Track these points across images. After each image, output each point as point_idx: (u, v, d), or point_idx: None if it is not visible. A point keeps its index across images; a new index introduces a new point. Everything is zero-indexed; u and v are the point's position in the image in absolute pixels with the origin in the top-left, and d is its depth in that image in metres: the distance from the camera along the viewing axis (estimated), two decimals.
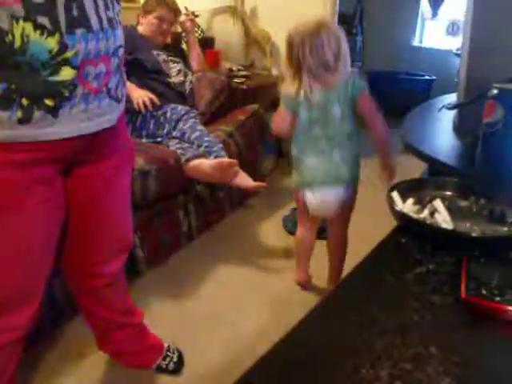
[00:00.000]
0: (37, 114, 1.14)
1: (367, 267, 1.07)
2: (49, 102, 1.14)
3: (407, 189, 1.29)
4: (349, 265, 2.55)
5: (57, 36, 1.09)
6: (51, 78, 1.13)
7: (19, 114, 1.12)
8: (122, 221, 1.63)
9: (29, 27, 1.06)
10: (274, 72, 4.25)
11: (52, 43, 1.09)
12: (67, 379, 1.90)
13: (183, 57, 3.36)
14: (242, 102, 3.63)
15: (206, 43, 4.10)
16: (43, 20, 1.07)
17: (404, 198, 1.25)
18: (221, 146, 2.76)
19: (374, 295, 0.98)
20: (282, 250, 2.91)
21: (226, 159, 2.58)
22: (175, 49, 3.34)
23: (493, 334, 0.91)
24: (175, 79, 3.11)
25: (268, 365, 0.80)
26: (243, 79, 3.86)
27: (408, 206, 1.23)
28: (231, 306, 2.36)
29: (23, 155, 1.18)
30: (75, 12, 1.11)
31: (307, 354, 0.82)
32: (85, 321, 1.83)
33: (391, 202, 1.23)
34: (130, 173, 1.62)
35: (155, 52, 3.11)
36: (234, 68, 4.02)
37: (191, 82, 3.22)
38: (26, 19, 1.05)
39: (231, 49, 4.35)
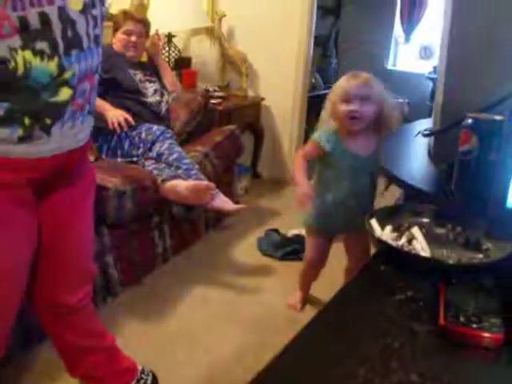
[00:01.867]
0: (37, 133, 1.16)
1: (347, 294, 1.07)
2: (48, 121, 1.17)
3: (385, 216, 1.31)
4: (328, 291, 2.55)
5: (56, 59, 1.13)
6: (52, 99, 1.16)
7: (20, 132, 1.14)
8: (87, 250, 1.62)
9: (29, 55, 1.09)
10: (250, 93, 4.28)
11: (52, 67, 1.13)
12: None
13: (160, 77, 3.37)
14: (218, 123, 3.64)
15: (183, 63, 4.12)
16: (42, 45, 1.10)
17: (382, 225, 1.27)
18: (197, 167, 2.76)
19: (354, 322, 0.98)
20: (257, 271, 2.91)
21: (203, 182, 2.59)
22: (152, 68, 3.35)
23: (471, 361, 0.92)
24: (152, 99, 3.11)
25: None
26: (219, 100, 3.88)
27: (386, 233, 1.24)
28: (206, 328, 2.35)
29: (8, 175, 1.19)
30: (70, 33, 1.14)
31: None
32: (53, 346, 1.80)
33: (370, 229, 1.25)
34: (93, 200, 1.61)
35: (132, 71, 3.10)
36: (211, 89, 4.04)
37: (167, 102, 3.22)
38: (23, 48, 1.08)
39: (208, 69, 4.37)
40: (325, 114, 2.22)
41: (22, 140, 1.15)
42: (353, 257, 2.44)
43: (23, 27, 1.06)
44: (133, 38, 3.12)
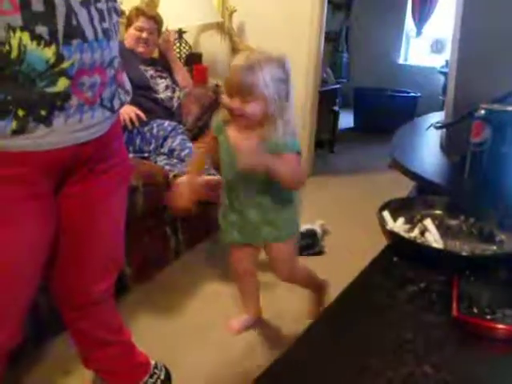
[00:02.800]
0: (31, 124, 1.13)
1: (360, 286, 1.07)
2: (43, 112, 1.14)
3: (398, 208, 1.30)
4: (343, 282, 2.54)
5: (53, 47, 1.09)
6: (48, 90, 1.12)
7: (14, 125, 1.11)
8: (114, 240, 1.61)
9: (26, 37, 1.06)
10: None
11: (49, 54, 1.09)
12: None
13: (171, 72, 3.37)
14: None
15: (194, 59, 4.11)
16: (41, 30, 1.07)
17: (395, 217, 1.26)
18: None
19: (366, 314, 0.98)
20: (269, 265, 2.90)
21: (215, 177, 2.59)
22: (163, 64, 3.35)
23: (484, 352, 0.91)
24: (163, 95, 3.11)
25: None
26: None
27: (399, 225, 1.24)
28: (218, 323, 2.35)
29: (16, 169, 1.18)
30: (73, 22, 1.11)
31: (301, 376, 0.82)
32: (71, 337, 1.81)
33: (382, 221, 1.24)
34: (126, 191, 1.60)
35: (143, 67, 3.11)
36: (222, 84, 4.04)
37: (179, 97, 3.22)
38: (23, 29, 1.05)
39: (218, 65, 4.36)
40: None
41: (15, 133, 1.12)
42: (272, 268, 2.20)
43: (24, 5, 1.04)
44: (144, 35, 3.12)
